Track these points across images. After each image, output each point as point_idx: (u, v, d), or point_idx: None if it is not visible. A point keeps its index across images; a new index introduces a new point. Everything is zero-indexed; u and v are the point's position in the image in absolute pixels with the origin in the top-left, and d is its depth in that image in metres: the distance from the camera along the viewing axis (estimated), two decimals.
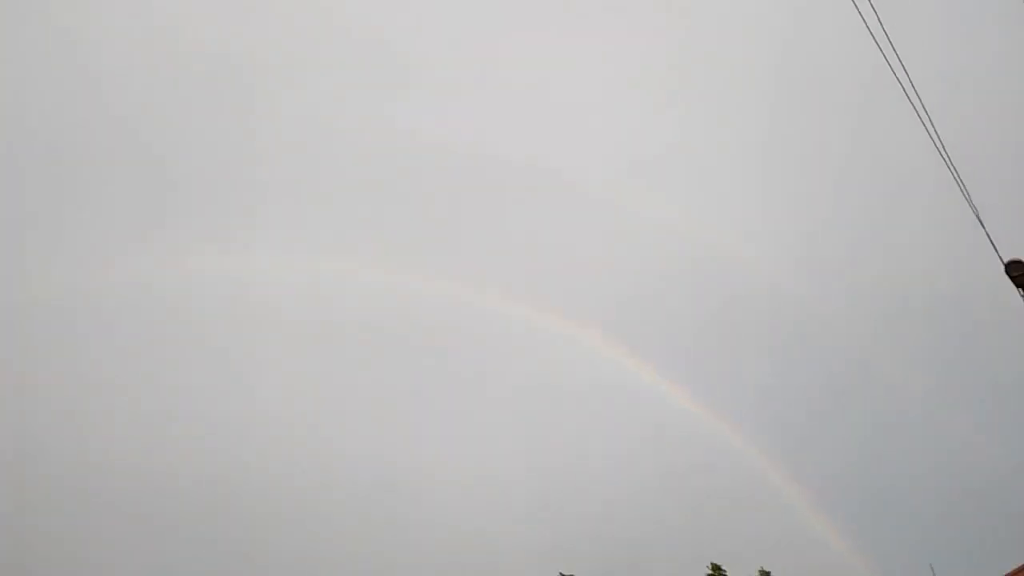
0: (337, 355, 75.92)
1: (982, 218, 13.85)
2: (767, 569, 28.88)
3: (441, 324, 76.53)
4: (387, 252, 71.70)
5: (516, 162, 75.54)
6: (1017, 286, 13.60)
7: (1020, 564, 17.07)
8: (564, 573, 27.53)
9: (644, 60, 74.44)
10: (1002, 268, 14.03)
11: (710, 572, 28.32)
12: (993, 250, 13.59)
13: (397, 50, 68.48)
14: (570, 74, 75.41)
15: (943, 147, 13.71)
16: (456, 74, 74.75)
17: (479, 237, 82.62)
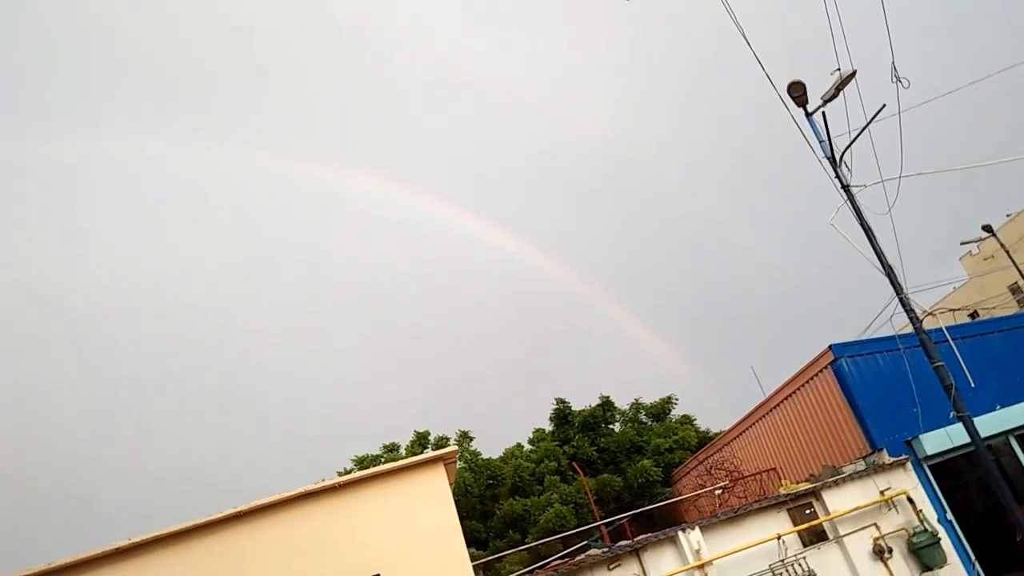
0: None
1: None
2: (606, 394, 30.77)
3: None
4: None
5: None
6: (798, 105, 14.40)
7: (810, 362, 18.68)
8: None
9: None
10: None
11: (556, 407, 30.05)
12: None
13: None
14: None
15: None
16: None
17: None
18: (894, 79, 13.94)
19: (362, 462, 28.19)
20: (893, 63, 13.98)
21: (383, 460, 28.19)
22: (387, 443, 29.68)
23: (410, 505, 8.93)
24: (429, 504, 8.96)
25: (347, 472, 26.45)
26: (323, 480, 9.16)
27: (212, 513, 8.36)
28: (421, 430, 29.71)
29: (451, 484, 9.87)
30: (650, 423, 32.93)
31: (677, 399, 33.68)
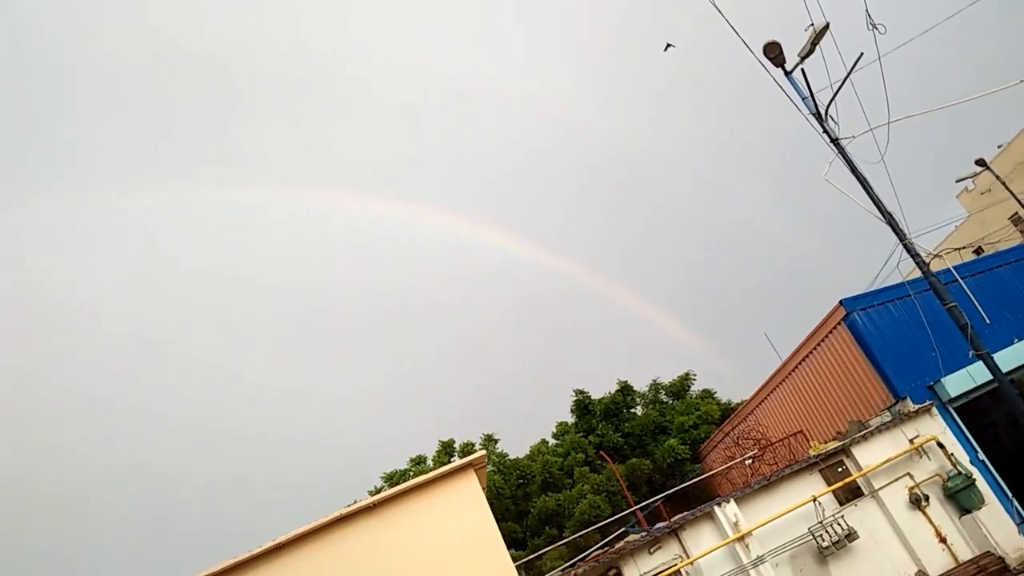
0: None
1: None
2: (623, 379, 30.71)
3: None
4: None
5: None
6: (776, 65, 14.29)
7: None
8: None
9: None
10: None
11: (576, 398, 30.01)
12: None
13: None
14: None
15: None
16: None
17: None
18: (870, 26, 13.90)
19: (391, 478, 28.22)
20: (867, 10, 13.94)
21: (412, 474, 28.22)
22: (413, 456, 29.72)
23: (446, 516, 8.95)
24: (465, 512, 8.97)
25: (378, 491, 26.50)
26: (356, 502, 9.17)
27: (252, 548, 8.39)
28: (445, 439, 29.74)
29: (483, 489, 9.87)
30: (671, 402, 32.89)
31: (695, 375, 33.65)
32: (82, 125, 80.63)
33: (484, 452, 10.01)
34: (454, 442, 29.59)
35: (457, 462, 9.50)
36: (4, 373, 75.79)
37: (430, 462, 28.93)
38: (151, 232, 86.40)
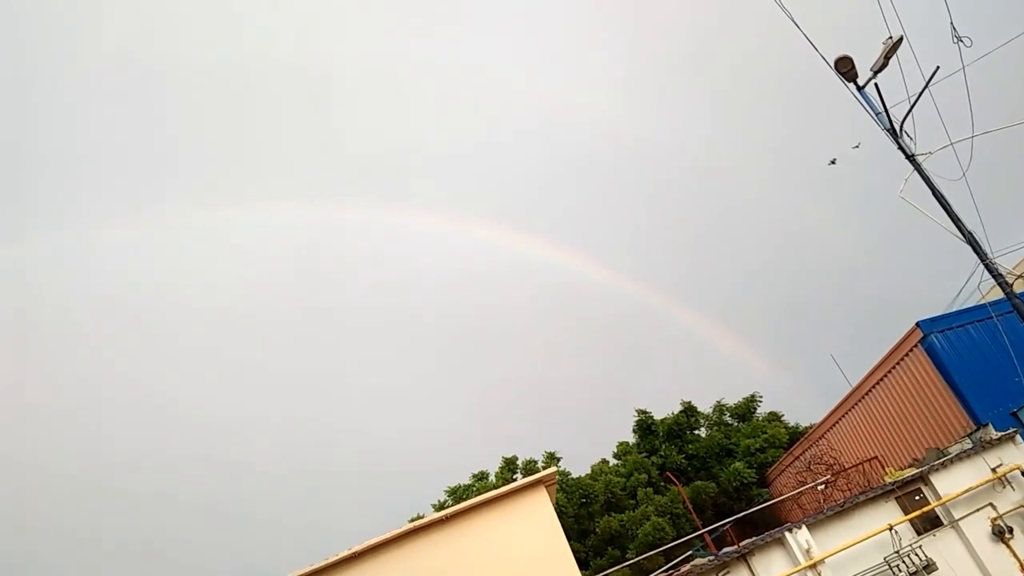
0: None
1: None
2: (687, 399, 29.90)
3: None
4: None
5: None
6: (848, 80, 13.85)
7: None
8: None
9: None
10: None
11: (638, 418, 29.40)
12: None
13: None
14: None
15: None
16: None
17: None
18: (955, 39, 13.53)
19: (455, 492, 28.40)
20: (952, 23, 13.59)
21: (475, 489, 28.34)
22: (476, 472, 29.85)
23: (517, 531, 8.98)
24: (536, 529, 8.99)
25: (442, 505, 26.70)
26: (419, 515, 9.32)
27: (328, 556, 8.59)
28: (508, 456, 29.81)
29: (553, 506, 9.88)
30: (736, 424, 32.25)
31: (761, 397, 32.94)
32: (80, 145, 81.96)
33: (554, 469, 10.03)
34: (517, 459, 29.62)
35: (528, 478, 9.48)
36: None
37: (492, 478, 29.00)
38: (170, 255, 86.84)
